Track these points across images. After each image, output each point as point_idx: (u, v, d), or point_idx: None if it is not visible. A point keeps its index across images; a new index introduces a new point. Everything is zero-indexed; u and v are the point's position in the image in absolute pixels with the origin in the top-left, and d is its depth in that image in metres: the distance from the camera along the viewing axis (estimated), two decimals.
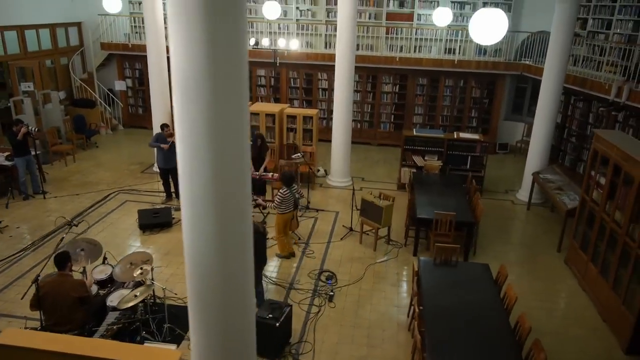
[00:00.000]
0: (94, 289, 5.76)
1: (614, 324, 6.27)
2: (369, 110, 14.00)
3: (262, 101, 13.62)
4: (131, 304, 5.18)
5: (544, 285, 7.37)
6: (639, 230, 5.81)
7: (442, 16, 11.36)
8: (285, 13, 13.87)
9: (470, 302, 5.56)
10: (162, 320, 5.97)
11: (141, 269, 5.57)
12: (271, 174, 9.14)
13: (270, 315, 5.51)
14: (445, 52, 13.27)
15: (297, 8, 13.74)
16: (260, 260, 6.14)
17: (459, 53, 13.16)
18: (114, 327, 5.23)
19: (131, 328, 5.49)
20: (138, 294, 5.29)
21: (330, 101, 13.91)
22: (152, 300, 6.09)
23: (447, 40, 13.25)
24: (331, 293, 6.89)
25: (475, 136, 10.59)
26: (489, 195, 10.74)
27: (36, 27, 13.04)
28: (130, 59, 14.48)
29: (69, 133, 12.70)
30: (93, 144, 13.25)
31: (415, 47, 13.36)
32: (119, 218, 9.01)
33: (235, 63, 2.88)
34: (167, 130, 9.48)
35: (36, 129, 9.71)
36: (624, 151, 6.26)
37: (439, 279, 6.11)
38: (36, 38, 13.10)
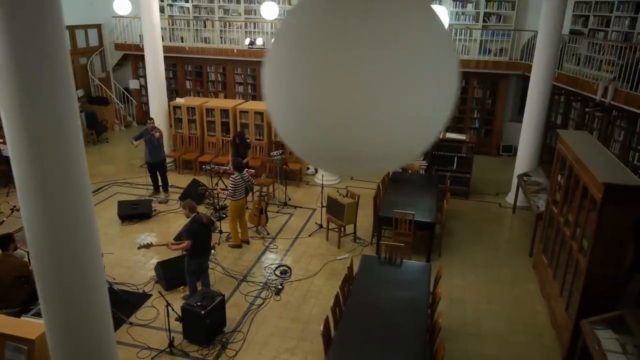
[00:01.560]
0: None
1: (560, 330, 6.04)
2: None
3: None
4: None
5: (503, 289, 7.17)
6: (581, 234, 5.58)
7: (440, 15, 11.23)
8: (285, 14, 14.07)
9: (397, 300, 5.54)
10: (114, 303, 6.29)
11: None
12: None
13: (199, 304, 5.70)
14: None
15: None
16: (203, 250, 6.35)
17: (462, 52, 12.89)
18: None
19: None
20: None
21: None
22: None
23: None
24: (280, 287, 7.01)
25: (462, 137, 10.39)
26: (478, 197, 10.51)
27: None
28: (143, 59, 15.08)
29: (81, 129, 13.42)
30: (104, 139, 13.96)
31: None
32: (105, 208, 9.49)
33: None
34: (150, 122, 9.85)
35: None
36: (575, 153, 6.02)
37: (376, 276, 6.11)
38: None
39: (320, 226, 8.78)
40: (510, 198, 10.20)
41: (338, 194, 8.27)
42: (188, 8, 14.67)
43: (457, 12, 12.95)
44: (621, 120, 8.87)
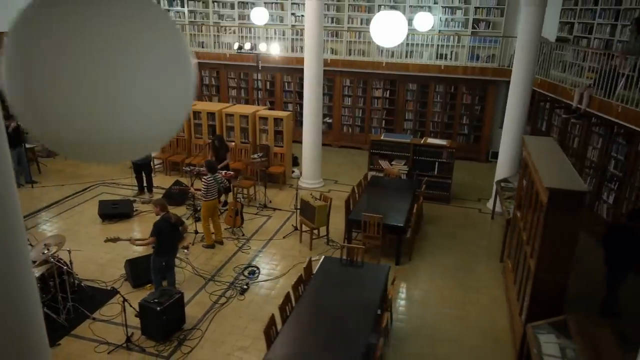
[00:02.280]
0: None
1: (515, 335, 6.05)
2: (360, 115, 14.07)
3: (257, 104, 14.06)
4: None
5: (467, 294, 7.18)
6: (533, 238, 5.61)
7: (423, 21, 11.37)
8: (281, 19, 14.30)
9: (348, 300, 5.61)
10: (80, 298, 6.51)
11: (47, 249, 6.09)
12: (224, 171, 9.46)
13: (156, 300, 5.84)
14: (437, 58, 13.09)
15: (293, 14, 14.10)
16: (168, 249, 6.48)
17: (451, 58, 12.94)
18: None
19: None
20: (36, 271, 5.80)
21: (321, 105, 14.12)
22: (70, 279, 6.60)
23: (439, 45, 13.06)
24: (245, 287, 7.12)
25: (443, 142, 10.42)
26: (459, 202, 10.52)
27: None
28: None
29: None
30: None
31: (407, 52, 13.27)
32: (88, 207, 9.70)
33: None
34: None
35: None
36: (532, 159, 6.05)
37: (334, 277, 6.20)
38: None
39: (296, 228, 8.88)
40: (490, 204, 10.20)
41: (311, 197, 8.37)
42: (184, 13, 14.94)
43: (446, 19, 13.00)
44: (599, 127, 8.83)
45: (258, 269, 7.65)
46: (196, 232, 8.56)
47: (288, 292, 5.66)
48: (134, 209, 9.49)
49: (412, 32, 13.05)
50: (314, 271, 6.30)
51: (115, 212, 9.15)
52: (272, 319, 5.09)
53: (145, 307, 5.82)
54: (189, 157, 11.60)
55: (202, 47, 14.62)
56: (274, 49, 12.08)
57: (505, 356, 5.90)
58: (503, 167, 9.86)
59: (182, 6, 14.89)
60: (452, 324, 6.49)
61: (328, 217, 8.38)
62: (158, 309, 5.72)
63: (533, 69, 9.28)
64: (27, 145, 11.21)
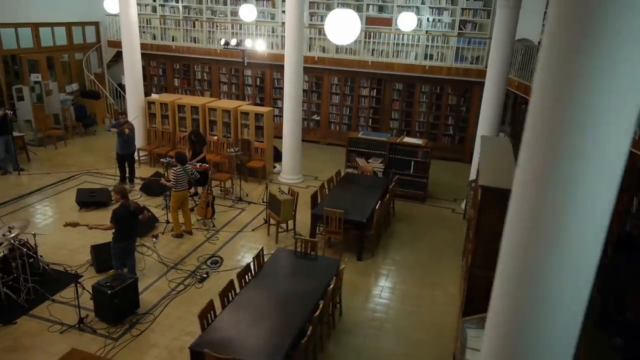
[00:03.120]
0: None
1: (459, 331, 6.15)
2: (347, 113, 14.19)
3: (247, 100, 14.25)
4: None
5: (422, 290, 7.30)
6: (473, 236, 5.71)
7: (407, 21, 11.46)
8: (272, 16, 14.47)
9: (292, 290, 5.77)
10: (44, 281, 6.76)
11: (9, 231, 6.35)
12: (199, 164, 9.67)
13: (108, 284, 6.05)
14: (424, 58, 13.15)
15: (284, 12, 14.24)
16: (127, 235, 6.69)
17: (437, 59, 13.00)
18: None
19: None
20: None
21: (309, 102, 14.28)
22: (34, 262, 6.86)
23: (426, 46, 13.12)
24: (205, 275, 7.32)
25: (419, 141, 10.51)
26: (434, 202, 10.62)
27: (52, 24, 14.61)
28: None
29: (69, 120, 14.08)
30: (91, 132, 14.56)
31: (395, 52, 13.36)
32: (69, 195, 9.97)
33: None
34: (122, 118, 10.38)
35: (11, 112, 10.97)
36: (480, 158, 6.15)
37: (283, 268, 6.37)
38: (51, 35, 14.67)
39: (266, 221, 9.05)
40: (464, 204, 10.27)
41: (278, 191, 8.53)
42: (178, 8, 15.20)
43: (433, 19, 13.06)
44: None
45: (221, 259, 7.84)
46: (167, 222, 8.79)
47: (231, 280, 5.84)
48: (112, 199, 9.74)
49: (398, 32, 13.19)
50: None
51: (92, 200, 9.41)
52: (210, 304, 5.28)
53: (98, 291, 6.04)
54: (173, 150, 11.83)
55: (195, 42, 14.86)
56: (259, 46, 12.26)
57: (446, 350, 6.01)
58: (474, 167, 9.93)
59: (177, 2, 15.14)
60: (401, 318, 6.62)
61: (295, 211, 8.54)
62: (109, 292, 5.94)
63: (506, 70, 9.33)
64: (16, 134, 11.55)
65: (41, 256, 7.23)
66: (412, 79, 13.20)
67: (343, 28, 6.10)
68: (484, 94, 9.63)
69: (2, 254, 6.33)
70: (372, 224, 8.03)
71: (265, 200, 8.98)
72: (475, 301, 5.45)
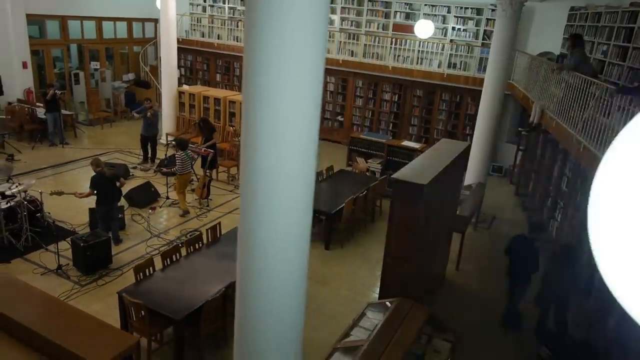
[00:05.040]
0: None
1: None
2: (369, 116, 14.54)
3: None
4: None
5: (371, 280, 7.61)
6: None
7: (424, 28, 11.71)
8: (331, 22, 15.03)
9: (233, 259, 6.38)
10: (45, 233, 7.88)
11: (17, 186, 7.52)
12: (203, 148, 10.52)
13: (83, 239, 7.02)
14: (447, 67, 13.23)
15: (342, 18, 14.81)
16: (107, 199, 7.63)
17: (460, 68, 13.03)
18: None
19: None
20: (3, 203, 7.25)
21: (335, 103, 14.81)
22: (38, 215, 8.02)
23: (450, 54, 13.19)
24: (180, 245, 8.11)
25: (416, 145, 10.70)
26: None
27: (114, 19, 16.36)
28: (185, 51, 17.16)
29: (118, 105, 15.69)
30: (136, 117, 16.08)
31: (419, 59, 13.55)
32: None
33: None
34: (148, 103, 11.55)
35: (61, 93, 12.55)
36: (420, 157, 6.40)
37: (234, 243, 6.98)
38: (113, 28, 16.43)
39: None
40: None
41: None
42: (224, 9, 16.38)
43: (458, 29, 13.11)
44: (550, 144, 8.72)
45: (201, 234, 8.60)
46: (167, 198, 9.73)
47: (177, 244, 6.57)
48: (130, 174, 10.90)
49: (424, 39, 13.36)
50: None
51: None
52: (149, 260, 6.03)
53: (75, 243, 7.03)
54: (197, 136, 12.88)
55: (238, 40, 15.93)
56: None
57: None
58: (470, 174, 9.96)
59: (224, 3, 16.33)
60: (339, 303, 7.00)
61: None
62: (82, 245, 6.90)
63: (503, 79, 9.34)
64: (66, 112, 13.17)
65: (48, 213, 8.41)
66: (433, 86, 13.32)
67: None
68: (481, 102, 9.68)
69: (9, 204, 7.52)
70: (341, 217, 8.43)
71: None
72: (389, 287, 5.76)
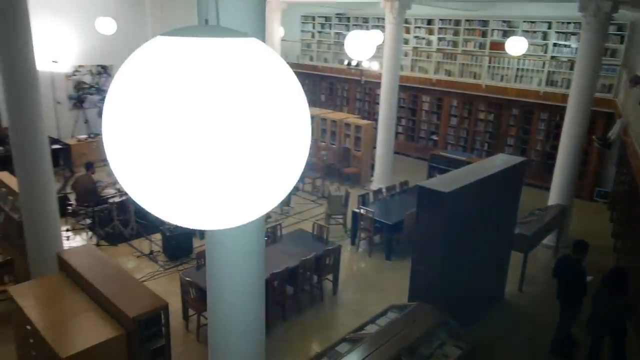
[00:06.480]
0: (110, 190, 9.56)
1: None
2: (464, 135, 14.35)
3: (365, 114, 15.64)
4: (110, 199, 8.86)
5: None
6: None
7: (516, 45, 11.52)
8: (406, 41, 15.59)
9: (286, 252, 7.08)
10: (149, 225, 9.41)
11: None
12: None
13: (169, 228, 8.27)
14: (547, 84, 12.62)
15: (415, 37, 15.27)
16: None
17: (562, 86, 12.34)
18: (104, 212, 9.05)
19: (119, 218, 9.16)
20: (117, 198, 8.91)
21: (429, 122, 14.92)
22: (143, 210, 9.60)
23: (551, 72, 12.58)
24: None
25: (462, 157, 10.52)
26: None
27: None
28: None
29: None
30: None
31: (518, 77, 13.13)
32: None
33: None
34: None
35: None
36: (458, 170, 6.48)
37: (292, 240, 7.69)
38: None
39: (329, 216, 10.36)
40: None
41: (335, 189, 9.79)
42: (330, 34, 17.54)
43: (560, 44, 12.46)
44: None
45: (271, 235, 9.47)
46: None
47: None
48: None
49: (522, 57, 12.96)
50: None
51: None
52: None
53: (163, 233, 8.33)
54: None
55: (340, 64, 16.92)
56: (374, 65, 13.59)
57: None
58: (554, 192, 9.46)
59: (330, 28, 17.50)
60: (372, 303, 7.23)
61: (346, 207, 9.65)
62: (167, 234, 8.16)
63: (588, 96, 8.79)
64: None
65: None
66: (530, 105, 12.77)
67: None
68: (565, 119, 9.20)
69: (122, 199, 9.14)
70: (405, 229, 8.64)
71: (326, 196, 10.30)
72: (416, 292, 5.94)
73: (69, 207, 9.61)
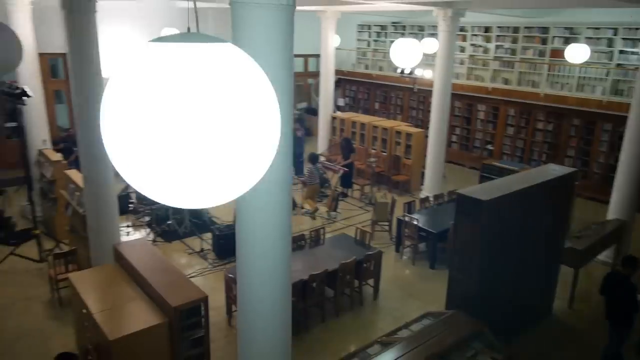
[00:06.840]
0: None
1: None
2: (521, 145, 13.90)
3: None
4: None
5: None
6: None
7: (577, 53, 11.13)
8: (462, 49, 15.36)
9: (328, 256, 7.24)
10: (201, 225, 9.91)
11: None
12: (338, 166, 11.59)
13: (219, 229, 8.67)
14: (614, 93, 12.01)
15: (472, 45, 15.01)
16: None
17: (628, 95, 11.69)
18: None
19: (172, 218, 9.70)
20: None
21: (484, 132, 14.60)
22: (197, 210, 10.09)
23: (616, 80, 11.96)
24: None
25: (514, 167, 10.11)
26: None
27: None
28: (349, 82, 18.87)
29: None
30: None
31: (580, 85, 12.60)
32: None
33: None
34: (295, 125, 13.30)
35: None
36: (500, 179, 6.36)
37: (335, 244, 7.84)
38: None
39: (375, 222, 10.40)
40: None
41: (381, 196, 9.83)
42: (385, 42, 17.59)
43: (626, 51, 11.83)
44: None
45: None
46: (301, 207, 11.08)
47: None
48: None
49: (585, 64, 12.43)
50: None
51: None
52: None
53: (212, 231, 8.74)
54: (337, 154, 14.18)
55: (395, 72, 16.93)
56: (427, 73, 13.50)
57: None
58: (614, 206, 8.99)
59: (385, 37, 17.55)
60: (411, 309, 7.17)
61: (392, 214, 9.66)
62: (217, 233, 8.56)
63: None
64: None
65: (208, 211, 10.48)
66: (592, 115, 12.19)
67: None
68: (626, 129, 8.75)
69: None
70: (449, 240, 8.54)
71: (373, 202, 10.35)
72: (453, 300, 5.90)
73: (130, 205, 10.30)
